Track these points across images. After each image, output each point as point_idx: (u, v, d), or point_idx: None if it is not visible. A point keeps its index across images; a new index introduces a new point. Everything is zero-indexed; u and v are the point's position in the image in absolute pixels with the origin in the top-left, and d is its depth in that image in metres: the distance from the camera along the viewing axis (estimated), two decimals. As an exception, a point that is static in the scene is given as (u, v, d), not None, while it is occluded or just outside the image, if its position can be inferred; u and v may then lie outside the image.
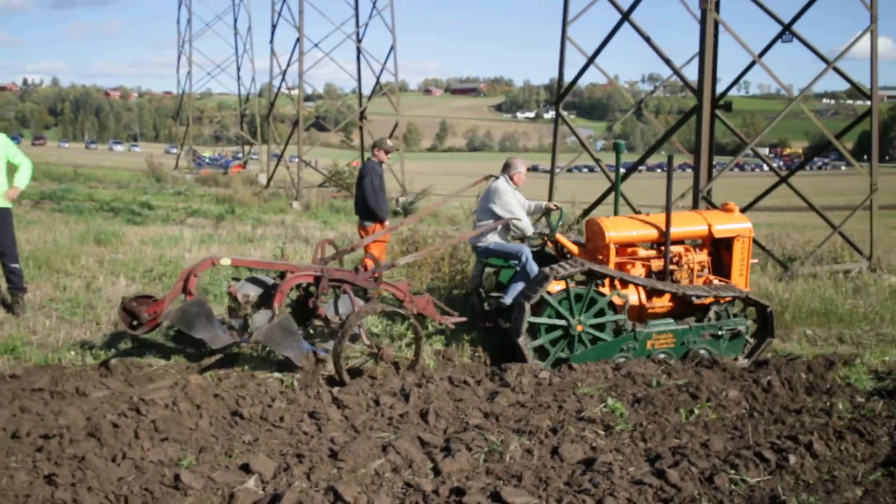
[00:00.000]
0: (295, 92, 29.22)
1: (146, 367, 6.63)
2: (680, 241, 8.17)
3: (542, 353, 7.42)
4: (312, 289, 7.16)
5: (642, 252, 8.13)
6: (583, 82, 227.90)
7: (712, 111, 11.52)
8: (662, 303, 7.98)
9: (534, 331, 7.36)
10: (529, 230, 8.09)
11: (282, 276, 7.13)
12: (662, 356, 7.72)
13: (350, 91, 35.71)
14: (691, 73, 11.30)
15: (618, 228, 7.97)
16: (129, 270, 10.25)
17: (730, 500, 4.38)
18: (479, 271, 8.64)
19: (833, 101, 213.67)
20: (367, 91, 30.79)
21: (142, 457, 4.62)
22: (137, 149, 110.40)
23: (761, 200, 13.32)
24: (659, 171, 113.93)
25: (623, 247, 8.00)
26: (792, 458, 4.93)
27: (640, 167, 14.51)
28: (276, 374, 6.60)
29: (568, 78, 14.02)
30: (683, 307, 8.01)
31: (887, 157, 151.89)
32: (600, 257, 7.89)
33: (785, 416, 6.12)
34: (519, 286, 7.85)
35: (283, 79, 29.80)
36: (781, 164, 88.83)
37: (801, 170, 15.15)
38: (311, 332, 7.29)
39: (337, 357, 6.48)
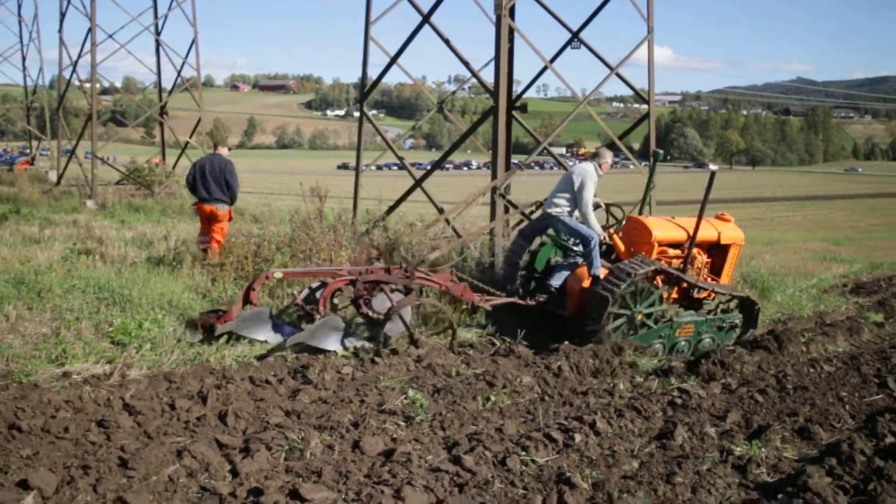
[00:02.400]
0: (88, 85, 27.45)
1: None
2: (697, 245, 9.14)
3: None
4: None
5: (670, 251, 9.07)
6: (391, 82, 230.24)
7: (509, 112, 12.02)
8: (673, 295, 9.00)
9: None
10: (597, 231, 8.86)
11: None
12: (683, 343, 8.83)
13: (150, 85, 33.93)
14: (491, 76, 11.72)
15: (661, 229, 9.00)
16: None
17: (521, 480, 4.62)
18: (521, 248, 9.25)
19: (622, 105, 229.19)
20: (168, 85, 29.51)
21: None
22: None
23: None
24: (465, 168, 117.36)
25: (661, 246, 8.97)
26: (577, 437, 5.27)
27: (447, 165, 14.90)
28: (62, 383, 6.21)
29: (374, 77, 14.15)
30: (685, 300, 9.17)
31: (668, 157, 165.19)
32: (643, 253, 8.76)
33: (573, 399, 6.53)
34: (565, 273, 8.93)
35: (73, 70, 27.90)
36: (577, 163, 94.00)
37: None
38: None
39: (379, 346, 7.51)
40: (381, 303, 8.10)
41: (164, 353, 7.07)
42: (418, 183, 12.28)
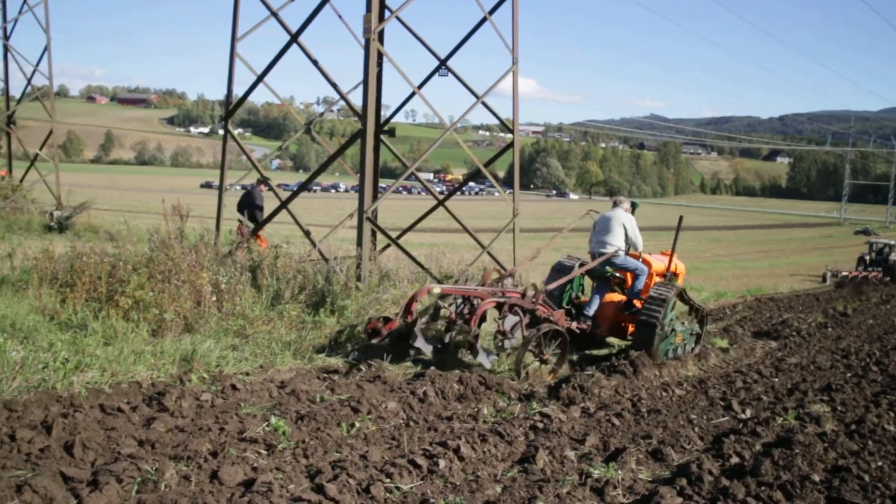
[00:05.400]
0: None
1: None
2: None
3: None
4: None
5: (656, 279, 10.90)
6: (259, 101, 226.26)
7: (377, 136, 12.03)
8: None
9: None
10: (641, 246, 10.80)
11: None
12: (679, 349, 10.49)
13: (-3, 92, 31.54)
14: (360, 99, 11.67)
15: (656, 263, 11.03)
16: None
17: (385, 508, 4.58)
18: (556, 299, 10.46)
19: (488, 133, 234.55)
20: (17, 94, 27.79)
21: None
22: None
23: (424, 221, 14.22)
24: (333, 191, 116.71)
25: (655, 275, 10.95)
26: (442, 463, 5.28)
27: (314, 187, 14.76)
28: None
29: (239, 95, 13.82)
30: None
31: (531, 186, 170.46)
32: (648, 282, 10.71)
33: (438, 424, 6.54)
34: (597, 301, 10.57)
35: None
36: (444, 188, 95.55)
37: (457, 195, 16.40)
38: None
39: (519, 360, 8.65)
40: (509, 322, 9.11)
41: (4, 379, 6.56)
42: (284, 204, 12.05)
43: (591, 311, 10.49)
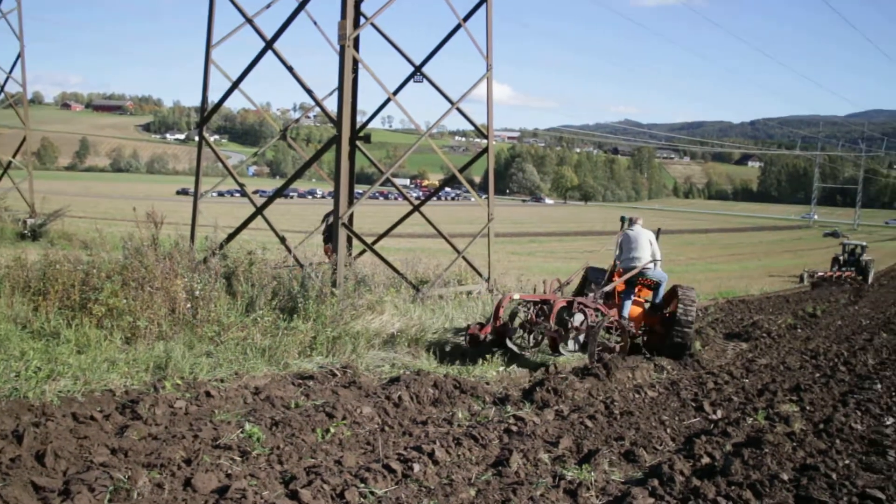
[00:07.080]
0: None
1: None
2: None
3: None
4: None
5: None
6: (235, 107, 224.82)
7: (352, 142, 12.04)
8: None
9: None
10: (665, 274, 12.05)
11: (545, 302, 10.65)
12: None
13: (-32, 100, 31.00)
14: (336, 105, 11.68)
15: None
16: None
17: (359, 513, 4.59)
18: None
19: (464, 139, 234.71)
20: (-11, 101, 27.41)
21: None
22: None
23: (401, 227, 14.26)
24: (310, 196, 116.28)
25: None
26: (416, 467, 5.31)
27: (291, 193, 14.75)
28: None
29: (215, 101, 13.79)
30: None
31: (507, 191, 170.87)
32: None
33: (412, 428, 6.58)
34: (627, 305, 11.50)
35: None
36: (420, 194, 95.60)
37: (433, 200, 16.44)
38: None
39: (592, 351, 9.82)
40: (578, 319, 10.25)
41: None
42: (259, 210, 12.04)
43: (624, 314, 11.51)
